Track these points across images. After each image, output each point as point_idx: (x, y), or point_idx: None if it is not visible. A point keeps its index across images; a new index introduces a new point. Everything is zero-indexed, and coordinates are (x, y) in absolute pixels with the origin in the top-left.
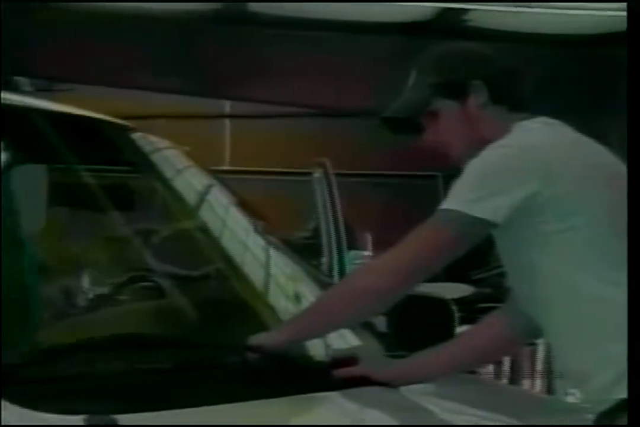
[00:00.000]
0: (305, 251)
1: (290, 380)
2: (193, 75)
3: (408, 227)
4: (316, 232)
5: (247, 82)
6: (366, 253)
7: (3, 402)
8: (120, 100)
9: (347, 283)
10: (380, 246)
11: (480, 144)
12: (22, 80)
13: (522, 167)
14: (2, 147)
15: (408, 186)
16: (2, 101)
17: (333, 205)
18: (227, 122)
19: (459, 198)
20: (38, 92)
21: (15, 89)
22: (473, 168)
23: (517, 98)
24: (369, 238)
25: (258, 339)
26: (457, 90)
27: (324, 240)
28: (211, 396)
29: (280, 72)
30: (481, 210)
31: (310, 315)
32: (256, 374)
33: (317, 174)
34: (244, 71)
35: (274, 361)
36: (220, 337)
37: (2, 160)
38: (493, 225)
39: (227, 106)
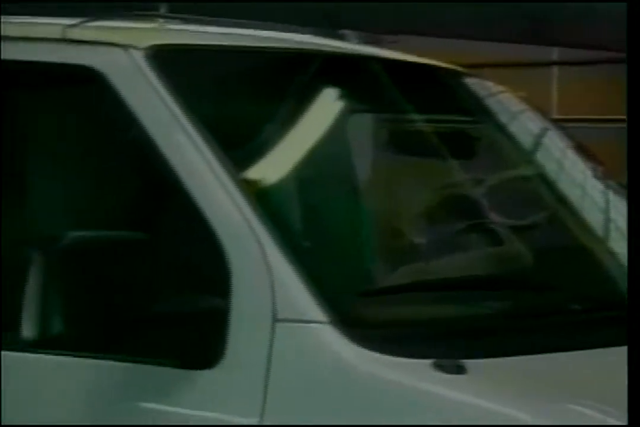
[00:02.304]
0: None
1: None
2: (519, 22)
3: None
4: None
5: (576, 27)
6: None
7: (353, 346)
8: (444, 50)
9: None
10: None
11: None
12: (348, 33)
13: None
14: (339, 96)
15: None
16: (338, 50)
17: None
18: (554, 69)
19: None
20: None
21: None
22: None
23: None
24: None
25: None
26: None
27: None
28: (553, 343)
29: (608, 17)
30: None
31: None
32: (599, 322)
33: None
34: (573, 16)
35: (616, 308)
36: (560, 283)
37: (339, 109)
38: None
39: (554, 53)
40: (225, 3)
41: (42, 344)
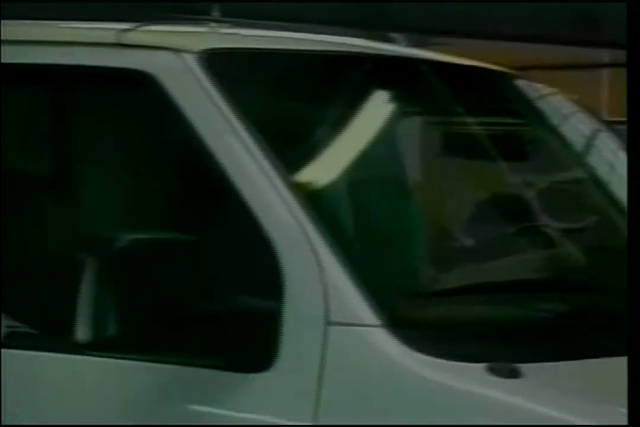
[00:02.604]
0: None
1: None
2: (570, 24)
3: None
4: None
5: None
6: None
7: (406, 349)
8: (494, 52)
9: None
10: None
11: None
12: (398, 36)
13: None
14: (390, 99)
15: None
16: (389, 53)
17: None
18: (605, 71)
19: None
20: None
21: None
22: None
23: None
24: None
25: None
26: None
27: None
28: (608, 346)
29: None
30: None
31: None
32: None
33: None
34: (624, 17)
35: None
36: (614, 286)
37: (390, 112)
38: None
39: (606, 55)
40: (275, 2)
41: (96, 346)
